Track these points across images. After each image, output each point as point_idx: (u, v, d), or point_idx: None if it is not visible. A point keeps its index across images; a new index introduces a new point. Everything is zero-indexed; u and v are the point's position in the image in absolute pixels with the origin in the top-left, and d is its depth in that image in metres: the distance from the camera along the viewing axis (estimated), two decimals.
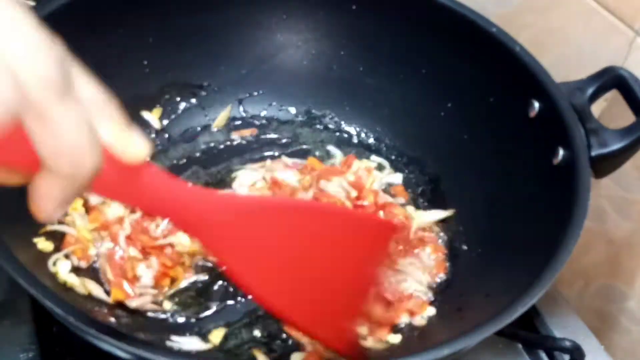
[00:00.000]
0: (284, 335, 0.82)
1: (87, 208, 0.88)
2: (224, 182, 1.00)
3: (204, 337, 0.82)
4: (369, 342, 0.83)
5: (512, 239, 0.86)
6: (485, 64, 0.95)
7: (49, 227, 0.83)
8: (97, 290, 0.81)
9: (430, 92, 1.02)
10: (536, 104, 0.87)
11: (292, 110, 1.10)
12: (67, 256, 0.83)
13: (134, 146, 0.48)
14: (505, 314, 0.68)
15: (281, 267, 0.64)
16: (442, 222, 0.98)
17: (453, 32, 0.97)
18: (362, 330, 0.83)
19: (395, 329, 0.85)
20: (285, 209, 0.65)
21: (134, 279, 0.82)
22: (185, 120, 1.06)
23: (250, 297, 0.82)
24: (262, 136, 1.07)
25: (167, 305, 0.83)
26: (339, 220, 0.69)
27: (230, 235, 0.59)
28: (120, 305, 0.82)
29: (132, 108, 0.98)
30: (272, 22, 1.07)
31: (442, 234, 0.97)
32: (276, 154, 1.05)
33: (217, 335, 0.81)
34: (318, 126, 1.09)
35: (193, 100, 1.06)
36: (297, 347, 0.81)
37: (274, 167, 1.00)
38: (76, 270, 0.83)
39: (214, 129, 1.06)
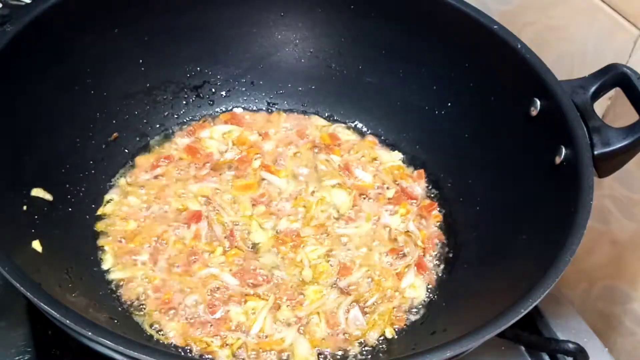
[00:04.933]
0: None
1: None
2: None
3: None
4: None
5: (514, 239, 0.85)
6: (486, 62, 0.95)
7: None
8: None
9: (431, 91, 1.02)
10: (538, 102, 0.87)
11: (290, 108, 1.10)
12: None
13: None
14: (508, 315, 0.67)
15: None
16: (445, 223, 0.98)
17: (454, 30, 0.97)
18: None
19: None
20: None
21: None
22: (182, 117, 1.06)
23: None
24: None
25: None
26: None
27: None
28: None
29: (128, 106, 1.01)
30: (269, 20, 1.06)
31: (443, 238, 0.97)
32: None
33: None
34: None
35: (190, 99, 1.06)
36: None
37: None
38: None
39: None
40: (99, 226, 0.92)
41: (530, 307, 0.67)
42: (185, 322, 0.83)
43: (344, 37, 1.06)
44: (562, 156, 0.81)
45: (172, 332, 0.82)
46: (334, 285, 0.89)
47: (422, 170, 1.03)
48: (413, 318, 0.88)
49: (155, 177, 0.98)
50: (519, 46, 0.90)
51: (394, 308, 0.88)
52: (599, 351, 0.91)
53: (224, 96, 1.09)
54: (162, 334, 0.82)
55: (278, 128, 1.07)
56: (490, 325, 0.66)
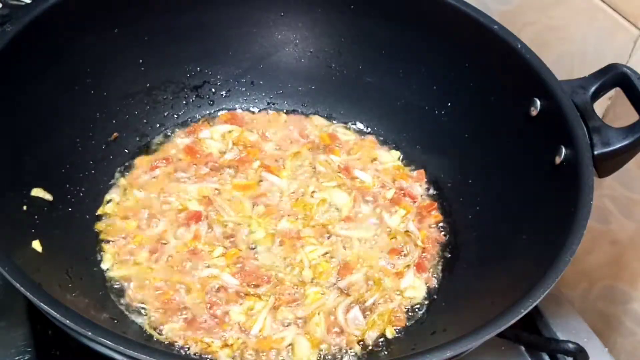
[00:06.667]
0: None
1: None
2: None
3: None
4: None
5: (514, 239, 0.85)
6: (486, 62, 0.95)
7: None
8: None
9: (431, 91, 1.02)
10: (538, 102, 0.87)
11: (290, 108, 1.10)
12: None
13: None
14: (508, 315, 0.67)
15: None
16: (445, 223, 0.98)
17: (454, 30, 0.97)
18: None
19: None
20: None
21: None
22: (182, 117, 1.06)
23: None
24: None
25: None
26: None
27: None
28: None
29: (128, 106, 1.01)
30: (269, 20, 1.06)
31: (443, 234, 0.97)
32: None
33: None
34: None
35: (190, 99, 1.07)
36: None
37: None
38: None
39: None
40: (99, 226, 0.92)
41: (530, 307, 0.67)
42: (185, 322, 0.83)
43: (344, 37, 1.06)
44: (562, 156, 0.81)
45: (172, 332, 0.82)
46: (334, 285, 0.89)
47: (422, 170, 1.03)
48: (413, 318, 0.88)
49: (155, 177, 0.98)
50: (519, 46, 0.90)
51: (393, 308, 0.88)
52: (599, 351, 0.91)
53: (224, 96, 1.09)
54: (162, 334, 0.82)
55: (278, 128, 1.07)
56: (490, 325, 0.66)
